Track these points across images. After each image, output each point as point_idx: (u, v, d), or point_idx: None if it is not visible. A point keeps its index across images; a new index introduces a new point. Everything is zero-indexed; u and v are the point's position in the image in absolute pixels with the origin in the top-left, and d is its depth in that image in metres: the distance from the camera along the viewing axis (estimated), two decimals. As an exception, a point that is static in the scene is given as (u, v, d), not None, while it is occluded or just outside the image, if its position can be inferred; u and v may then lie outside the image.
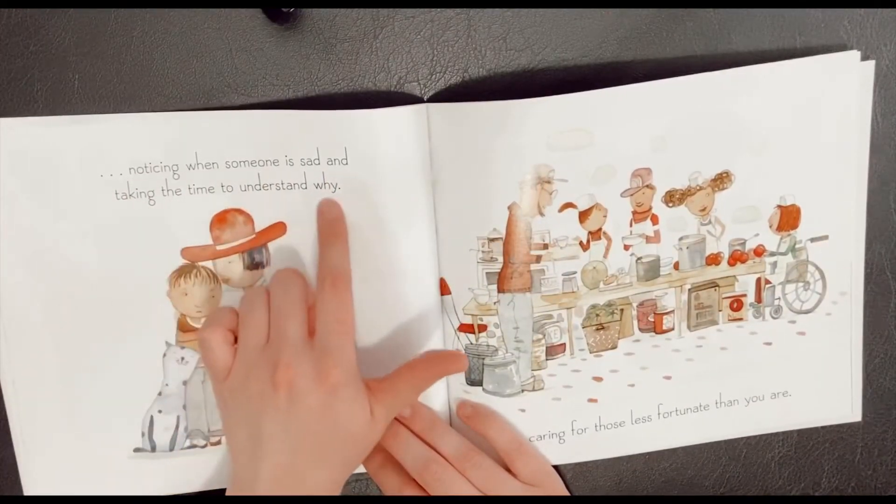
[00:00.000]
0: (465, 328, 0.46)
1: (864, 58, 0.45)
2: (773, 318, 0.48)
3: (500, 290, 0.45)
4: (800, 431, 0.50)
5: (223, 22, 0.44)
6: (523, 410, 0.47)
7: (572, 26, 0.45)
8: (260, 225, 0.44)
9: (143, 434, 0.46)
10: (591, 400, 0.47)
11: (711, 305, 0.47)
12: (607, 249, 0.45)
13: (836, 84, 0.44)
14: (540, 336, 0.46)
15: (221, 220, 0.44)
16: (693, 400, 0.48)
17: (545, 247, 0.44)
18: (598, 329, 0.46)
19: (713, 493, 0.51)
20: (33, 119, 0.42)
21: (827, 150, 0.45)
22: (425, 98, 0.45)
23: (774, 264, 0.47)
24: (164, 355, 0.45)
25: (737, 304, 0.47)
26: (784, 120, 0.44)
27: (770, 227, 0.46)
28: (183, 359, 0.45)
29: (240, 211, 0.44)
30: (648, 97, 0.43)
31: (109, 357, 0.44)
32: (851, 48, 0.45)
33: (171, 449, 0.46)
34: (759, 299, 0.47)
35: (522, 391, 0.46)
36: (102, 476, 0.46)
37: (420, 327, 0.46)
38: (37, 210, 0.43)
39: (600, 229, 0.45)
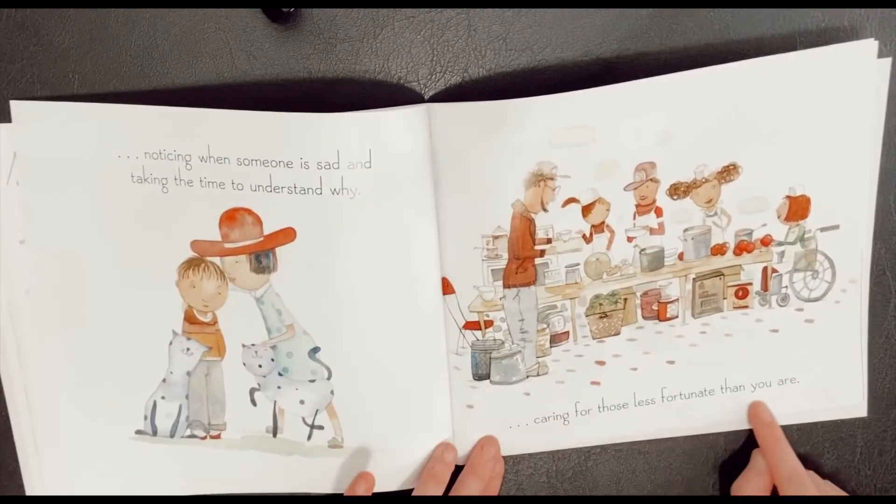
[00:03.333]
0: (471, 325, 0.46)
1: (881, 55, 0.44)
2: (780, 305, 0.48)
3: (506, 286, 0.46)
4: (799, 431, 0.50)
5: (223, 22, 0.44)
6: (528, 394, 0.48)
7: (572, 26, 0.45)
8: (269, 228, 0.44)
9: (145, 417, 0.47)
10: (593, 382, 0.48)
11: (716, 294, 0.47)
12: (610, 242, 0.45)
13: (852, 73, 0.43)
14: (544, 326, 0.47)
15: (230, 219, 0.44)
16: (698, 384, 0.48)
17: (549, 241, 0.45)
18: (601, 317, 0.47)
19: (712, 493, 0.51)
20: (50, 103, 0.43)
21: (840, 140, 0.45)
22: (426, 98, 0.45)
23: (782, 254, 0.47)
24: (171, 344, 0.46)
25: (742, 292, 0.47)
26: (796, 110, 0.44)
27: (778, 217, 0.46)
28: (188, 350, 0.46)
29: (249, 211, 0.43)
30: (652, 93, 0.43)
31: (117, 339, 0.45)
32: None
33: (172, 436, 0.47)
34: (765, 288, 0.47)
35: (527, 377, 0.47)
36: (102, 456, 0.47)
37: (423, 328, 0.46)
38: (52, 190, 0.43)
39: (603, 222, 0.45)
